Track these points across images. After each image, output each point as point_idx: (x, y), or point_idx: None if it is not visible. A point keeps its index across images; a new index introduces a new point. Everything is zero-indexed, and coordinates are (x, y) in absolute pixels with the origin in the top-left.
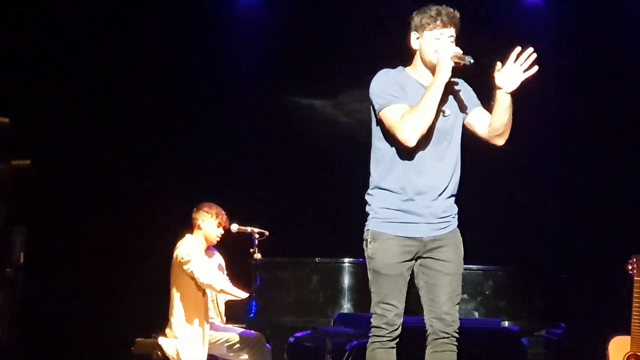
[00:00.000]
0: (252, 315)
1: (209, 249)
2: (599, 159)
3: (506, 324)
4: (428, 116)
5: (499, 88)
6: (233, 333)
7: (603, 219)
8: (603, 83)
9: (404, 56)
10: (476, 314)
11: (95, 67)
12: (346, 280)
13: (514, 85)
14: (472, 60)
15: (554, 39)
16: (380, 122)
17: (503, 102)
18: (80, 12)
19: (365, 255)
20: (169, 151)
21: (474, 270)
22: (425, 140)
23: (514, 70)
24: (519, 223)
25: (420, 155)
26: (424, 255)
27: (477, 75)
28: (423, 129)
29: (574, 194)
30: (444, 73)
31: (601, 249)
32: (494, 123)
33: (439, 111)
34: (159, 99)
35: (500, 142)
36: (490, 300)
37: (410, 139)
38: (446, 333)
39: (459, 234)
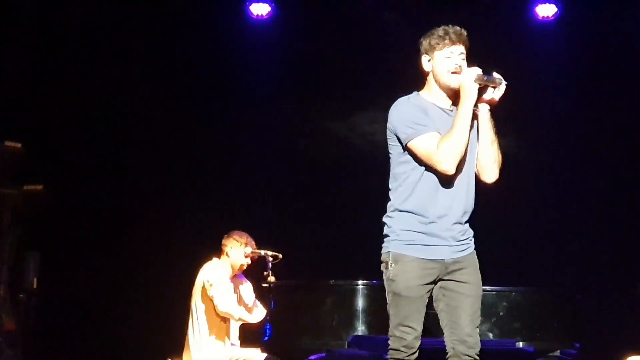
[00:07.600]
0: (266, 338)
1: (236, 277)
2: (611, 181)
3: (521, 344)
4: (463, 143)
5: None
6: (249, 355)
7: (617, 239)
8: (615, 98)
9: (417, 78)
10: (491, 335)
11: (109, 92)
12: (360, 302)
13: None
14: (503, 82)
15: (565, 53)
16: (407, 150)
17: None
18: (94, 36)
19: (385, 277)
20: (183, 175)
21: (488, 291)
22: None
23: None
24: (533, 244)
25: (442, 178)
26: (445, 278)
27: None
28: (460, 156)
29: (588, 216)
30: (471, 97)
31: (615, 269)
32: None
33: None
34: (172, 123)
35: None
36: (504, 321)
37: (449, 168)
38: (468, 356)
39: (476, 257)
